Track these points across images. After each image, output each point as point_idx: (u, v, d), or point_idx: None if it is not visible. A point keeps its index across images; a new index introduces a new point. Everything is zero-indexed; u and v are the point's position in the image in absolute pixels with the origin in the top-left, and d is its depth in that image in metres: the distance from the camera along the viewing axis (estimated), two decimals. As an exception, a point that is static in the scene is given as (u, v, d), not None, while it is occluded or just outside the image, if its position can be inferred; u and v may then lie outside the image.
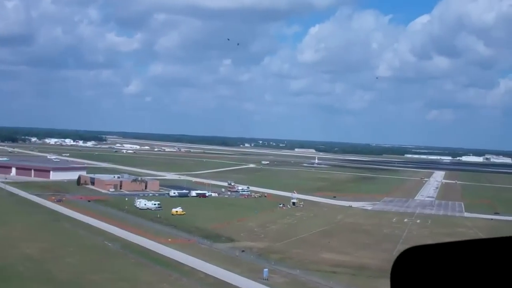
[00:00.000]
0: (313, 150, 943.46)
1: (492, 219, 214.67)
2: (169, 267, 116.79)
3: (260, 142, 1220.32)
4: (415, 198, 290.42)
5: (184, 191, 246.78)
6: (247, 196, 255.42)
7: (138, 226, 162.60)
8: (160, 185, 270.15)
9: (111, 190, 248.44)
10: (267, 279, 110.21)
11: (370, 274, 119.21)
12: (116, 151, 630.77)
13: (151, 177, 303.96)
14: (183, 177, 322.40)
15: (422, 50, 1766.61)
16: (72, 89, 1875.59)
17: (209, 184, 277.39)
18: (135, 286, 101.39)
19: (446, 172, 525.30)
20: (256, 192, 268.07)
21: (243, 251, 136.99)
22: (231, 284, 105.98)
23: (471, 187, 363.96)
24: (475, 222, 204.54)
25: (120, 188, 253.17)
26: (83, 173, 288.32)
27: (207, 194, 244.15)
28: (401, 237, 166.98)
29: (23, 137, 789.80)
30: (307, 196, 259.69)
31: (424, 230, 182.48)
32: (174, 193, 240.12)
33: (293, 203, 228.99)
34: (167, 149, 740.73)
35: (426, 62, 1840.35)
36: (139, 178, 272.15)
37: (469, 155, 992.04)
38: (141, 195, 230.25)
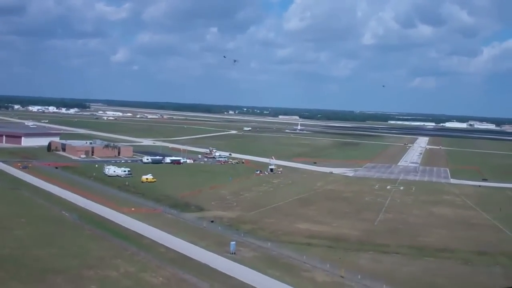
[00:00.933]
0: (297, 117, 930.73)
1: (480, 185, 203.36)
2: (127, 240, 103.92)
3: (245, 109, 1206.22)
4: (399, 164, 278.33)
5: (158, 157, 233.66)
6: (224, 162, 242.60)
7: (103, 195, 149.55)
8: (135, 151, 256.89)
9: (82, 156, 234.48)
10: (234, 253, 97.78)
11: (348, 246, 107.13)
12: (97, 118, 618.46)
13: (128, 144, 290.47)
14: (160, 144, 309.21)
15: (406, 18, 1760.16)
16: (61, 58, 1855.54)
17: (185, 150, 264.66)
18: (83, 264, 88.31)
19: (430, 138, 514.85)
20: (233, 158, 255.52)
21: (212, 221, 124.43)
22: (194, 260, 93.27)
23: (456, 153, 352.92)
24: (463, 189, 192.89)
25: (92, 155, 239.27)
26: (56, 139, 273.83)
27: (181, 161, 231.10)
28: (384, 205, 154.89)
29: (6, 104, 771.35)
30: (286, 162, 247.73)
31: (408, 198, 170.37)
32: (147, 159, 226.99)
33: (271, 170, 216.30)
34: (149, 116, 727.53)
35: (410, 30, 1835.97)
36: (112, 144, 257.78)
37: (453, 121, 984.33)
38: (113, 161, 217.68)
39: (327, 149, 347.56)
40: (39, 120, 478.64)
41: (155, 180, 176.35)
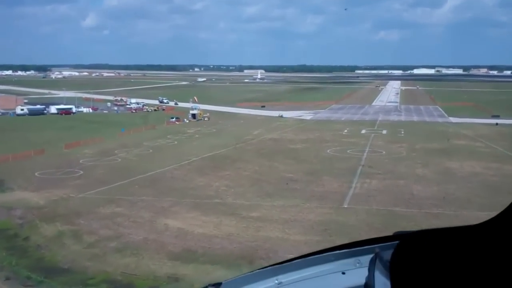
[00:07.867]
0: (263, 71, 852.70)
1: (497, 123, 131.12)
2: None
3: (211, 66, 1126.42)
4: (373, 104, 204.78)
5: (38, 107, 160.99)
6: (136, 110, 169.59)
7: None
8: (36, 102, 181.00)
9: None
10: None
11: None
12: (44, 77, 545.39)
13: (39, 96, 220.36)
14: (80, 95, 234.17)
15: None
16: (31, 25, 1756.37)
17: (100, 100, 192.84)
18: None
19: (402, 81, 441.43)
20: (151, 105, 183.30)
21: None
22: None
23: (438, 92, 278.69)
24: (476, 130, 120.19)
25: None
26: None
27: (74, 110, 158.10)
28: (360, 161, 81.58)
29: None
30: (226, 107, 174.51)
31: (399, 147, 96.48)
32: (22, 110, 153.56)
33: (193, 116, 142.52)
34: (105, 75, 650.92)
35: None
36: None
37: (420, 68, 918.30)
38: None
39: (284, 93, 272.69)
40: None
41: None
